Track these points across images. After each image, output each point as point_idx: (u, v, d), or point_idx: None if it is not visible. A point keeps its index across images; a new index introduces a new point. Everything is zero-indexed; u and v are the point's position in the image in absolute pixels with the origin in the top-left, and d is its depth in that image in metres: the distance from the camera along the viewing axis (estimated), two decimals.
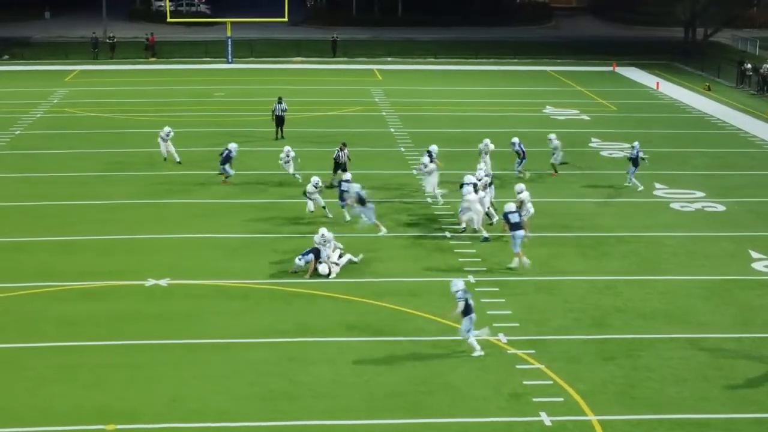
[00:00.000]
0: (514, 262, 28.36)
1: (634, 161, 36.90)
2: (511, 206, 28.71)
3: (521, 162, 37.99)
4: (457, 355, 22.65)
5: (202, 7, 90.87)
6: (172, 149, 39.60)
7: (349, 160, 36.83)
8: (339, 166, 36.64)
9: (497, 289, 26.74)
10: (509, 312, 25.17)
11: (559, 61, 73.95)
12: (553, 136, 39.58)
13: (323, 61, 72.26)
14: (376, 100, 55.76)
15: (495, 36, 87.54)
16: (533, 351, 22.84)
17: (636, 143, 37.63)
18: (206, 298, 26.02)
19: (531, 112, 52.85)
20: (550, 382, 21.34)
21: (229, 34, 70.10)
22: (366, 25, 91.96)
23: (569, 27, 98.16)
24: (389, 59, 73.63)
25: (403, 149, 43.38)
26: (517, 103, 55.58)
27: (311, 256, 27.36)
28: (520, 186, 31.44)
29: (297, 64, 71.30)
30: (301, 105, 51.16)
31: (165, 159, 39.59)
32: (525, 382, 21.29)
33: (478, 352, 22.43)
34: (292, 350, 22.85)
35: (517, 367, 22.08)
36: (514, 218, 28.25)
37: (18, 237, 30.81)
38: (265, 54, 74.64)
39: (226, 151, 36.60)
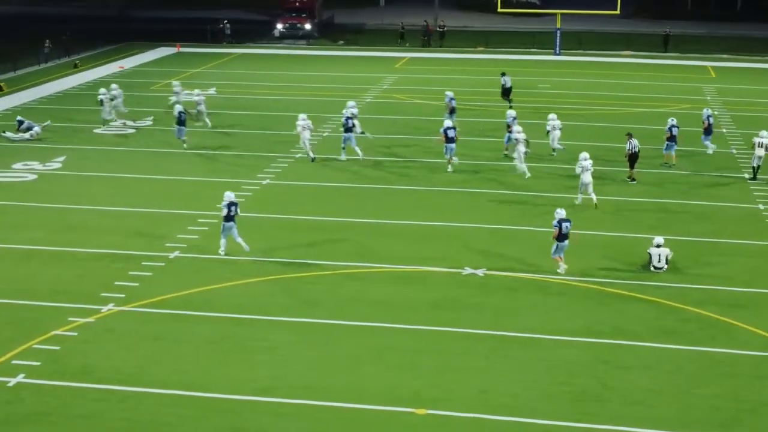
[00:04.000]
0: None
1: None
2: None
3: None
4: None
5: None
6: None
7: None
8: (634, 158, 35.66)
9: None
10: None
11: None
12: (112, 91, 44.73)
13: (653, 56, 70.23)
14: (708, 98, 53.43)
15: None
16: None
17: None
18: (521, 291, 25.82)
19: None
20: None
21: (558, 25, 69.52)
22: (701, 20, 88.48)
23: None
24: (725, 56, 70.46)
25: (734, 151, 41.31)
26: None
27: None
28: None
29: (626, 58, 69.70)
30: (626, 100, 49.85)
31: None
32: None
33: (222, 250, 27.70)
34: (606, 352, 22.23)
35: None
36: None
37: (340, 218, 31.84)
38: (593, 46, 73.51)
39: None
